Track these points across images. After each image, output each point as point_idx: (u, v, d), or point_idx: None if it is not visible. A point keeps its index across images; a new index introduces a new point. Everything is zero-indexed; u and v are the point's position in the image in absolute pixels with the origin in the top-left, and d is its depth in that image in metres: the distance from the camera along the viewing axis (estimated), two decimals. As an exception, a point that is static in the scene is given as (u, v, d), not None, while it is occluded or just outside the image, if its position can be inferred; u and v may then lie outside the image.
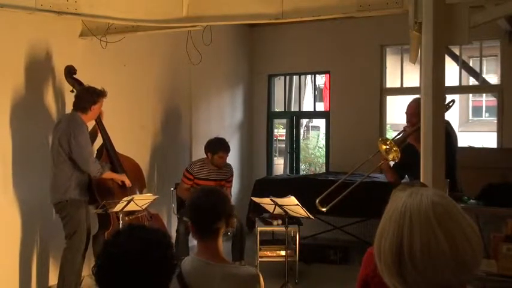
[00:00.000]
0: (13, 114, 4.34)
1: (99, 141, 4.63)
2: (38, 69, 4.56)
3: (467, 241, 1.06)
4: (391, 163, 4.11)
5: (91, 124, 4.50)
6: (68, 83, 4.50)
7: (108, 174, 4.38)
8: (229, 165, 5.50)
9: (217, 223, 2.17)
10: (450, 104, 4.23)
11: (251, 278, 2.16)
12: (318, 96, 11.43)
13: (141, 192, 4.60)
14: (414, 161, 3.92)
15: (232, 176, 5.54)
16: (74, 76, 4.48)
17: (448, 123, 4.48)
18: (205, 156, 5.41)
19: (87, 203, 4.35)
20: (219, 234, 2.18)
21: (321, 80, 11.42)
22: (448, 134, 4.07)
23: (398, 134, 4.19)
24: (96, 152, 4.63)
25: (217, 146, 5.30)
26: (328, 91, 8.02)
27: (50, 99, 4.66)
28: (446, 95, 3.24)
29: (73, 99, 4.33)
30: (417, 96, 4.31)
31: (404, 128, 4.13)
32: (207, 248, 2.17)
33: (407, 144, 3.95)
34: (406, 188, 1.16)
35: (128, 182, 4.50)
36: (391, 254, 1.07)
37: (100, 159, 4.50)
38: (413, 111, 4.05)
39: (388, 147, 3.84)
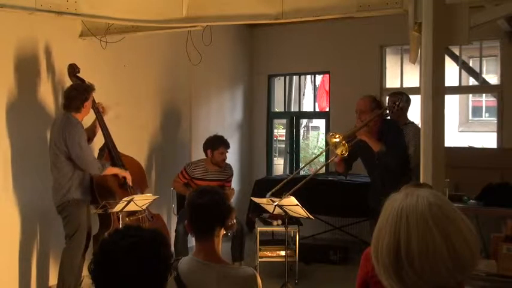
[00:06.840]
0: (13, 115, 4.33)
1: (99, 139, 4.63)
2: (38, 69, 4.56)
3: (464, 241, 1.06)
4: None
5: (90, 120, 4.49)
6: (71, 81, 4.47)
7: (110, 170, 4.36)
8: (228, 165, 5.49)
9: (213, 223, 2.16)
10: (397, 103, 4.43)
11: (248, 278, 2.15)
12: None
13: (143, 193, 4.59)
14: (367, 155, 4.14)
15: (231, 176, 5.52)
16: (77, 75, 4.46)
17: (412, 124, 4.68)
18: (204, 157, 5.41)
19: (89, 203, 4.35)
20: (215, 234, 2.16)
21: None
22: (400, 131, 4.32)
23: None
24: (98, 151, 4.63)
25: (217, 142, 5.29)
26: (325, 91, 8.00)
27: (50, 99, 4.66)
28: (446, 96, 3.23)
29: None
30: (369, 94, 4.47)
31: (355, 124, 4.25)
32: (203, 248, 2.16)
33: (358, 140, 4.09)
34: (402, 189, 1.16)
35: (129, 178, 4.48)
36: (389, 255, 1.07)
37: (102, 158, 4.49)
38: (362, 109, 4.23)
39: (337, 140, 3.98)
